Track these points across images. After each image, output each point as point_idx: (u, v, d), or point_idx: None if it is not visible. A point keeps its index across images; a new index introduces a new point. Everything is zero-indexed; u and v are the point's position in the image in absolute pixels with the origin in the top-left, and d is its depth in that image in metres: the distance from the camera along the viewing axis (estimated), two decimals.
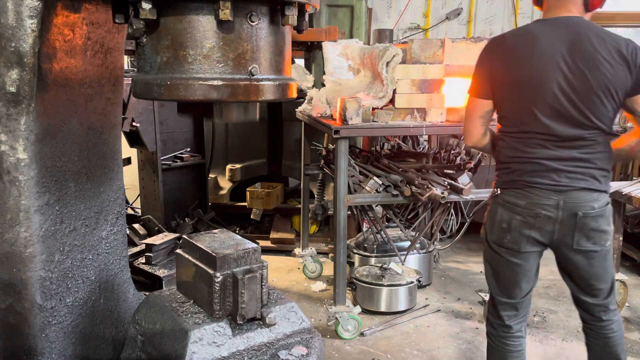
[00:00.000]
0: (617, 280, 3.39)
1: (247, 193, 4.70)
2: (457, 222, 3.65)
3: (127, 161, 4.06)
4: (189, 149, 4.51)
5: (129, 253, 2.98)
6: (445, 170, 3.48)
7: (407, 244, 3.74)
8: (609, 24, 6.56)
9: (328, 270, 4.03)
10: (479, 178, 3.81)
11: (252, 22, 1.51)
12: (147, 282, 3.01)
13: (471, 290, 3.85)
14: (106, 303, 2.07)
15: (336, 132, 2.90)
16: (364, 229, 4.00)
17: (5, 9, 1.45)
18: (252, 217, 4.83)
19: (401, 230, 3.66)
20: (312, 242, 4.32)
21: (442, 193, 3.06)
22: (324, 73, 4.11)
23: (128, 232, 3.36)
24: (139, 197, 4.42)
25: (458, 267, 4.37)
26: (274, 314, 1.73)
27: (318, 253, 4.18)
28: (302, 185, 4.05)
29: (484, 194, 3.25)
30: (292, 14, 1.54)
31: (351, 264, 3.86)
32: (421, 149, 4.25)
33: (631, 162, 4.61)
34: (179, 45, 1.48)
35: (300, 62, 4.92)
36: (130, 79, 1.98)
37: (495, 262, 2.18)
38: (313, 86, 4.33)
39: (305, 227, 4.13)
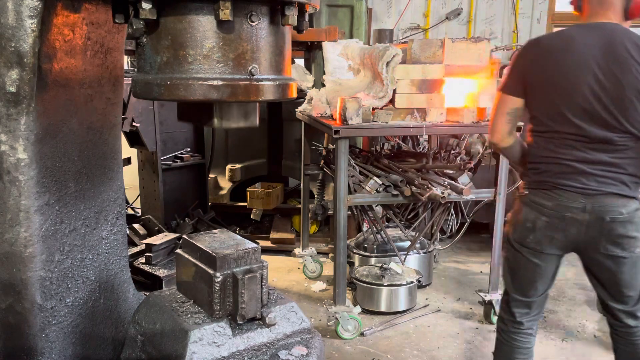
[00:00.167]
0: None
1: (247, 193, 4.70)
2: (457, 222, 3.66)
3: (127, 161, 4.06)
4: (189, 149, 4.51)
5: (129, 253, 2.98)
6: (445, 170, 3.48)
7: (407, 244, 3.74)
8: None
9: (328, 270, 4.03)
10: (479, 178, 3.81)
11: (252, 22, 1.51)
12: (147, 282, 3.01)
13: (471, 290, 3.85)
14: (106, 303, 2.07)
15: (336, 132, 2.90)
16: (364, 229, 4.00)
17: (5, 9, 1.45)
18: (252, 217, 4.83)
19: (401, 230, 3.66)
20: (312, 242, 4.32)
21: (442, 193, 3.06)
22: (324, 73, 4.11)
23: (128, 232, 3.36)
24: (139, 197, 4.42)
25: (458, 267, 4.37)
26: (274, 314, 1.73)
27: (318, 253, 4.18)
28: (302, 185, 4.05)
29: (484, 194, 3.25)
30: (292, 14, 1.54)
31: (351, 264, 3.86)
32: (421, 149, 4.25)
33: None
34: (179, 45, 1.48)
35: (300, 62, 4.92)
36: (130, 79, 1.98)
37: (515, 260, 2.18)
38: (313, 86, 4.33)
39: (305, 227, 4.13)
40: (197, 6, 1.45)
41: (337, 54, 3.86)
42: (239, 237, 1.84)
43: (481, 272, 4.23)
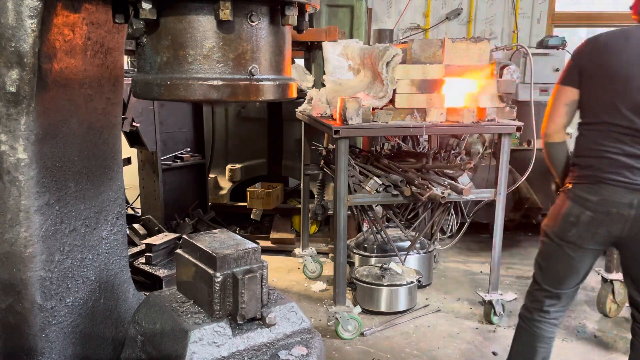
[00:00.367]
0: (617, 280, 3.40)
1: (247, 193, 4.70)
2: (457, 222, 3.65)
3: (127, 161, 4.06)
4: (189, 149, 4.51)
5: (129, 253, 2.98)
6: (445, 170, 3.48)
7: (407, 244, 3.74)
8: (609, 23, 6.56)
9: (328, 270, 4.03)
10: (479, 178, 3.81)
11: (252, 22, 1.51)
12: (147, 282, 3.01)
13: (471, 290, 3.85)
14: (106, 303, 2.07)
15: (336, 132, 2.90)
16: (364, 229, 4.00)
17: (5, 9, 1.45)
18: (252, 217, 4.83)
19: (401, 230, 3.66)
20: (312, 242, 4.32)
21: (442, 193, 3.06)
22: (324, 73, 4.11)
23: (128, 232, 3.36)
24: (139, 197, 4.42)
25: (458, 267, 4.37)
26: (274, 314, 1.72)
27: (318, 253, 4.18)
28: (302, 185, 4.05)
29: (484, 194, 3.25)
30: (292, 14, 1.54)
31: (351, 264, 3.86)
32: (421, 149, 4.24)
33: None
34: (179, 45, 1.48)
35: (300, 62, 4.92)
36: (130, 79, 1.98)
37: (552, 253, 2.20)
38: (313, 86, 4.33)
39: (305, 227, 4.13)
40: (197, 6, 1.45)
41: (337, 54, 3.86)
42: (239, 237, 1.84)
43: (481, 272, 4.23)
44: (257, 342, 1.70)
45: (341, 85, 3.58)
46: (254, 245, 1.76)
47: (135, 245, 3.42)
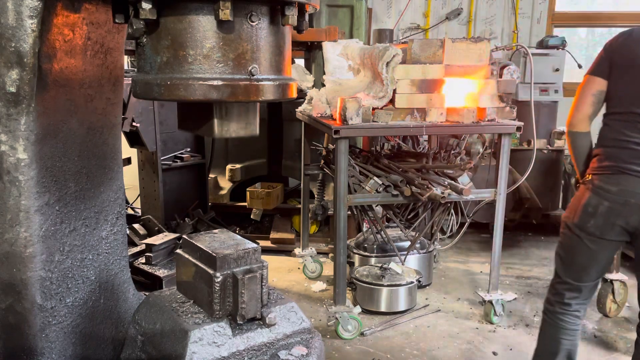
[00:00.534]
0: (617, 280, 3.40)
1: (247, 193, 4.70)
2: (457, 222, 3.65)
3: (127, 161, 4.06)
4: (189, 149, 4.51)
5: (129, 253, 2.98)
6: (445, 170, 3.48)
7: (407, 244, 3.74)
8: (609, 23, 6.56)
9: (328, 270, 4.03)
10: (479, 178, 3.81)
11: (252, 22, 1.51)
12: (147, 282, 3.01)
13: (471, 290, 3.85)
14: (106, 303, 2.07)
15: (336, 132, 2.90)
16: (364, 229, 4.00)
17: (5, 9, 1.45)
18: (252, 217, 4.83)
19: (401, 230, 3.66)
20: (312, 242, 4.32)
21: (442, 193, 3.06)
22: (324, 73, 4.11)
23: (128, 232, 3.36)
24: (139, 197, 4.42)
25: (458, 267, 4.37)
26: (274, 314, 1.72)
27: (318, 253, 4.18)
28: (302, 185, 4.05)
29: (484, 194, 3.25)
30: (292, 14, 1.54)
31: (351, 264, 3.86)
32: (421, 149, 4.24)
33: None
34: (179, 45, 1.48)
35: (300, 62, 4.92)
36: (130, 79, 1.98)
37: (571, 245, 2.20)
38: (313, 86, 4.33)
39: (305, 227, 4.13)
40: (197, 6, 1.45)
41: (337, 54, 3.86)
42: (239, 237, 1.84)
43: (481, 272, 4.23)
44: (257, 342, 1.70)
45: (341, 85, 3.58)
46: (254, 245, 1.76)
47: (135, 245, 3.42)
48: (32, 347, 1.75)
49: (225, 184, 5.02)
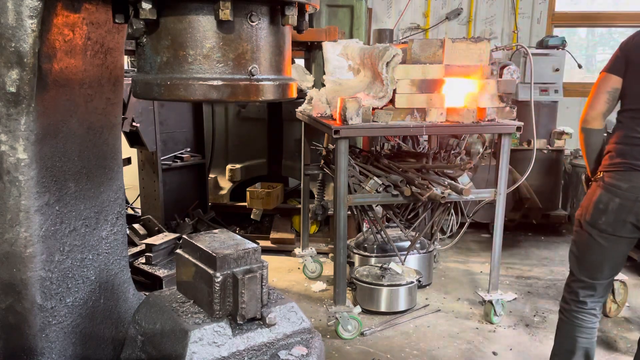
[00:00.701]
0: (617, 280, 3.40)
1: (247, 193, 4.70)
2: (457, 222, 3.66)
3: (127, 161, 4.06)
4: (189, 149, 4.51)
5: (129, 253, 2.98)
6: (445, 170, 3.48)
7: (407, 244, 3.74)
8: (609, 23, 6.56)
9: (328, 270, 4.03)
10: (479, 178, 3.81)
11: (252, 22, 1.51)
12: (147, 282, 3.01)
13: (471, 290, 3.85)
14: (106, 303, 2.07)
15: (336, 132, 2.90)
16: (364, 229, 4.00)
17: (5, 9, 1.45)
18: (252, 217, 4.83)
19: (401, 230, 3.66)
20: (312, 242, 4.32)
21: (442, 193, 3.06)
22: (324, 73, 4.11)
23: (128, 232, 3.36)
24: (139, 197, 4.42)
25: (458, 267, 4.37)
26: (274, 314, 1.72)
27: (318, 253, 4.18)
28: (302, 185, 4.05)
29: (484, 194, 3.25)
30: (292, 14, 1.54)
31: (351, 264, 3.86)
32: (421, 149, 4.24)
33: None
34: (179, 45, 1.48)
35: (300, 62, 4.92)
36: (130, 79, 1.98)
37: (585, 242, 2.21)
38: (313, 86, 4.33)
39: (305, 227, 4.13)
40: (197, 6, 1.45)
41: (337, 54, 3.86)
42: (239, 237, 1.84)
43: (481, 272, 4.23)
44: (257, 342, 1.70)
45: (341, 85, 3.58)
46: (254, 245, 1.76)
47: (135, 245, 3.42)
48: (32, 347, 1.75)
49: (225, 184, 5.02)
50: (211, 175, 4.96)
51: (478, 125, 3.08)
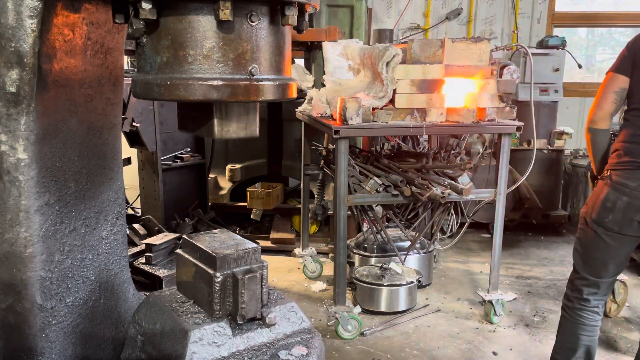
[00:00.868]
0: (617, 280, 3.40)
1: (247, 193, 4.70)
2: (457, 222, 3.66)
3: (127, 161, 4.06)
4: (189, 149, 4.51)
5: (129, 253, 2.98)
6: (445, 170, 3.48)
7: (407, 244, 3.74)
8: (609, 23, 6.56)
9: (328, 270, 4.03)
10: (479, 178, 3.81)
11: (252, 22, 1.51)
12: (147, 282, 3.01)
13: (471, 290, 3.85)
14: (106, 303, 2.07)
15: (336, 132, 2.90)
16: (364, 229, 4.00)
17: (5, 9, 1.45)
18: (252, 217, 4.83)
19: (401, 230, 3.66)
20: (312, 242, 4.32)
21: (442, 193, 3.06)
22: (324, 73, 4.11)
23: (128, 232, 3.36)
24: (139, 197, 4.42)
25: (458, 267, 4.37)
26: (274, 314, 1.72)
27: (318, 253, 4.18)
28: (302, 185, 4.05)
29: (484, 194, 3.25)
30: (292, 14, 1.54)
31: (351, 264, 3.86)
32: (421, 149, 4.25)
33: None
34: (179, 45, 1.48)
35: (300, 62, 4.92)
36: (130, 79, 1.98)
37: (590, 241, 2.21)
38: (313, 86, 4.33)
39: (305, 227, 4.13)
40: (197, 6, 1.45)
41: (337, 54, 3.86)
42: (239, 237, 1.84)
43: (481, 272, 4.23)
44: (257, 342, 1.70)
45: (341, 85, 3.58)
46: (254, 245, 1.76)
47: (135, 245, 3.42)
48: (32, 347, 1.75)
49: (225, 184, 5.02)
50: (211, 175, 4.96)
51: (478, 125, 3.08)
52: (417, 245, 3.80)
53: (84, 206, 1.93)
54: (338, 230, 3.09)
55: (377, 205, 3.51)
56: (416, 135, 4.30)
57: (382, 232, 3.62)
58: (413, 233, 3.73)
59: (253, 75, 1.53)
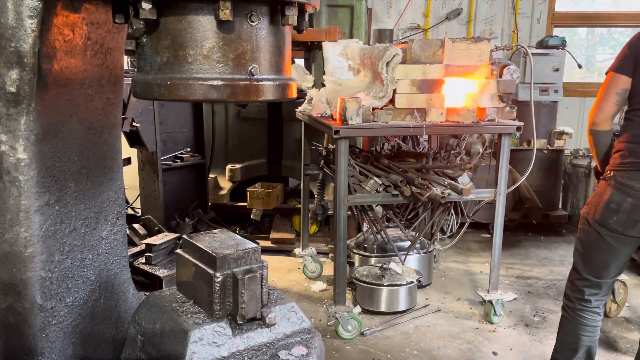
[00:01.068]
0: (617, 280, 3.40)
1: (247, 193, 4.70)
2: (457, 222, 3.66)
3: (127, 161, 4.06)
4: (189, 149, 4.51)
5: (129, 253, 2.98)
6: (445, 170, 3.48)
7: (407, 244, 3.74)
8: (609, 23, 6.56)
9: (328, 270, 4.03)
10: (479, 178, 3.81)
11: (252, 22, 1.51)
12: (147, 282, 3.01)
13: (471, 290, 3.85)
14: (106, 303, 2.07)
15: (336, 132, 2.90)
16: (364, 229, 4.00)
17: (5, 9, 1.45)
18: (252, 217, 4.83)
19: (401, 230, 3.66)
20: (312, 242, 4.32)
21: (442, 193, 3.06)
22: (324, 73, 4.11)
23: (128, 232, 3.36)
24: (139, 197, 4.42)
25: (458, 267, 4.37)
26: (274, 314, 1.72)
27: (318, 253, 4.18)
28: (302, 185, 4.05)
29: (484, 194, 3.25)
30: (292, 14, 1.54)
31: (351, 264, 3.86)
32: (421, 149, 4.24)
33: None
34: (179, 45, 1.48)
35: (300, 62, 4.92)
36: (130, 79, 1.98)
37: (592, 241, 2.21)
38: (313, 86, 4.33)
39: (305, 227, 4.13)
40: (197, 6, 1.45)
41: (337, 54, 3.86)
42: (239, 237, 1.84)
43: (481, 272, 4.23)
44: (257, 342, 1.70)
45: (341, 85, 3.58)
46: (254, 245, 1.76)
47: (135, 245, 3.42)
48: (32, 347, 1.75)
49: (225, 184, 5.02)
50: (211, 175, 4.96)
51: (478, 125, 3.08)
52: (417, 245, 3.80)
53: (84, 206, 1.93)
54: (338, 230, 3.09)
55: (377, 205, 3.51)
56: (416, 135, 4.30)
57: (382, 232, 3.62)
58: (413, 233, 3.73)
59: (253, 75, 1.53)
